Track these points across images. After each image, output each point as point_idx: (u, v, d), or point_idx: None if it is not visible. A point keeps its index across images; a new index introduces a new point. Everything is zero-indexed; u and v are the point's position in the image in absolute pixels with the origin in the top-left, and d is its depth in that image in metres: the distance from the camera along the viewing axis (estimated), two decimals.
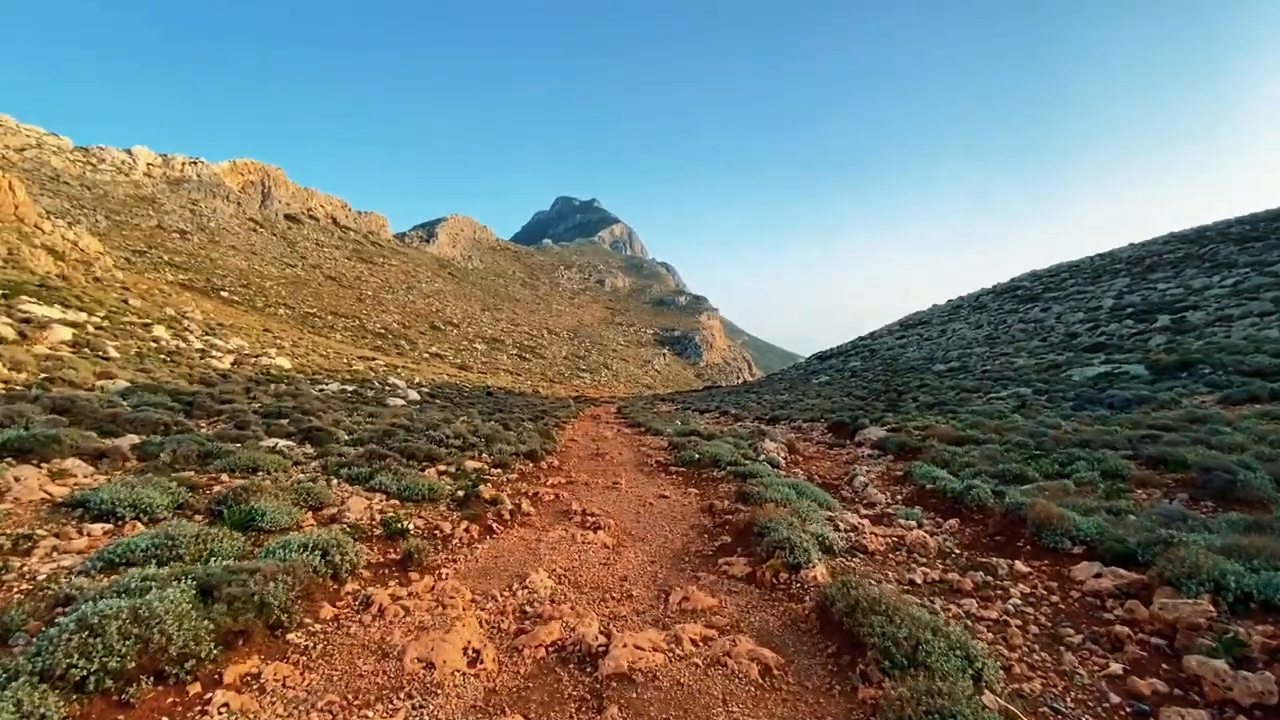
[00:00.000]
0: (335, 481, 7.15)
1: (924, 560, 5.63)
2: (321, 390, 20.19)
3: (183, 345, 22.63)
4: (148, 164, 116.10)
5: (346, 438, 10.51)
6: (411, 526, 5.73)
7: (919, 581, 4.97)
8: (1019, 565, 5.22)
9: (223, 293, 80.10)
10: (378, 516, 5.95)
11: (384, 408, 17.17)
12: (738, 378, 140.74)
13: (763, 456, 11.31)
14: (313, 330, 78.95)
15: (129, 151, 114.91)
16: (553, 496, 8.14)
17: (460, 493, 7.12)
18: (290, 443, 9.69)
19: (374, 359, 54.64)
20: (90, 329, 19.87)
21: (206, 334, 28.45)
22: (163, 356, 19.51)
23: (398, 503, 6.64)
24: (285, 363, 26.91)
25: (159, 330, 23.19)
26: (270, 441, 9.34)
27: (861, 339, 63.64)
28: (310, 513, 5.72)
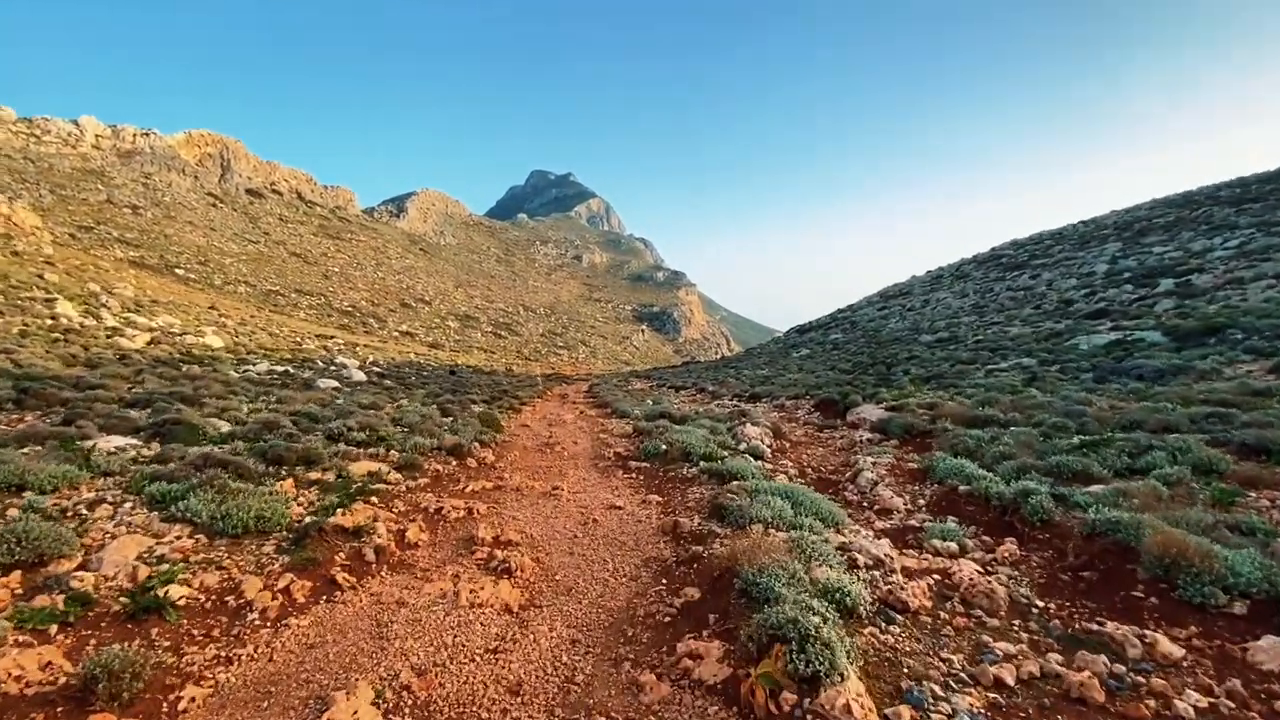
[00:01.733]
0: (129, 505, 4.93)
1: (995, 624, 3.63)
2: (246, 372, 17.71)
3: (89, 323, 19.88)
4: (96, 135, 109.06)
5: (218, 432, 8.22)
6: (186, 592, 3.57)
7: (1008, 681, 2.95)
8: (1160, 639, 3.22)
9: (177, 270, 75.67)
10: (145, 572, 3.76)
11: (309, 391, 14.83)
12: (716, 353, 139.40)
13: (744, 444, 9.28)
14: (274, 309, 75.12)
15: (75, 123, 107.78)
16: (462, 513, 5.99)
17: (310, 518, 4.96)
18: (134, 441, 7.39)
19: (333, 337, 51.58)
20: None
21: (129, 311, 25.53)
22: (55, 335, 16.82)
23: (205, 539, 4.47)
24: (216, 341, 24.22)
25: (65, 307, 20.37)
26: (102, 441, 7.03)
27: (840, 311, 62.08)
28: (18, 572, 3.52)
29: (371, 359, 36.55)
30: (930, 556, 4.98)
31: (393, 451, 8.15)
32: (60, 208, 78.33)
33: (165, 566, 3.86)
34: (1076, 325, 21.85)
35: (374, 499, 5.99)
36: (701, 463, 7.75)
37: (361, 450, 8.08)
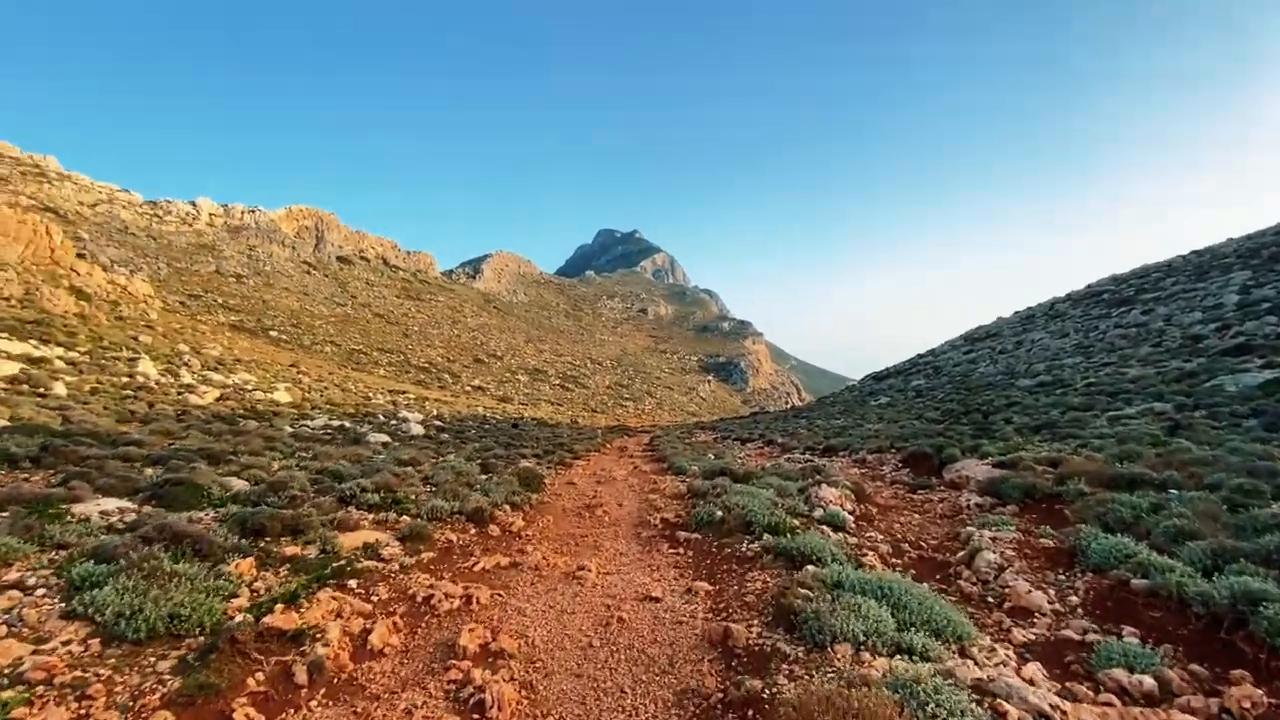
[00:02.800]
0: (41, 593, 3.99)
1: None
2: (300, 427, 17.59)
3: (165, 381, 20.66)
4: (210, 214, 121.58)
5: (225, 494, 7.46)
6: None
7: None
8: None
9: (271, 332, 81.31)
10: None
11: (354, 446, 14.31)
12: (786, 403, 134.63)
13: (819, 510, 7.60)
14: (356, 366, 79.00)
15: (193, 203, 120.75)
16: (457, 602, 4.73)
17: (244, 615, 3.83)
18: (127, 504, 6.69)
19: (405, 392, 52.95)
20: (58, 364, 17.99)
21: (209, 369, 26.71)
22: (127, 393, 17.36)
23: (98, 645, 3.42)
24: (284, 397, 24.76)
25: (146, 365, 21.35)
26: (92, 504, 6.34)
27: (921, 356, 58.19)
28: None
29: (437, 413, 36.79)
30: (1115, 699, 3.25)
31: (404, 517, 7.08)
32: (175, 279, 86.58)
33: (9, 694, 2.81)
34: (1214, 363, 18.62)
35: (353, 582, 4.85)
36: (766, 536, 6.18)
37: (369, 515, 7.06)
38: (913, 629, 3.61)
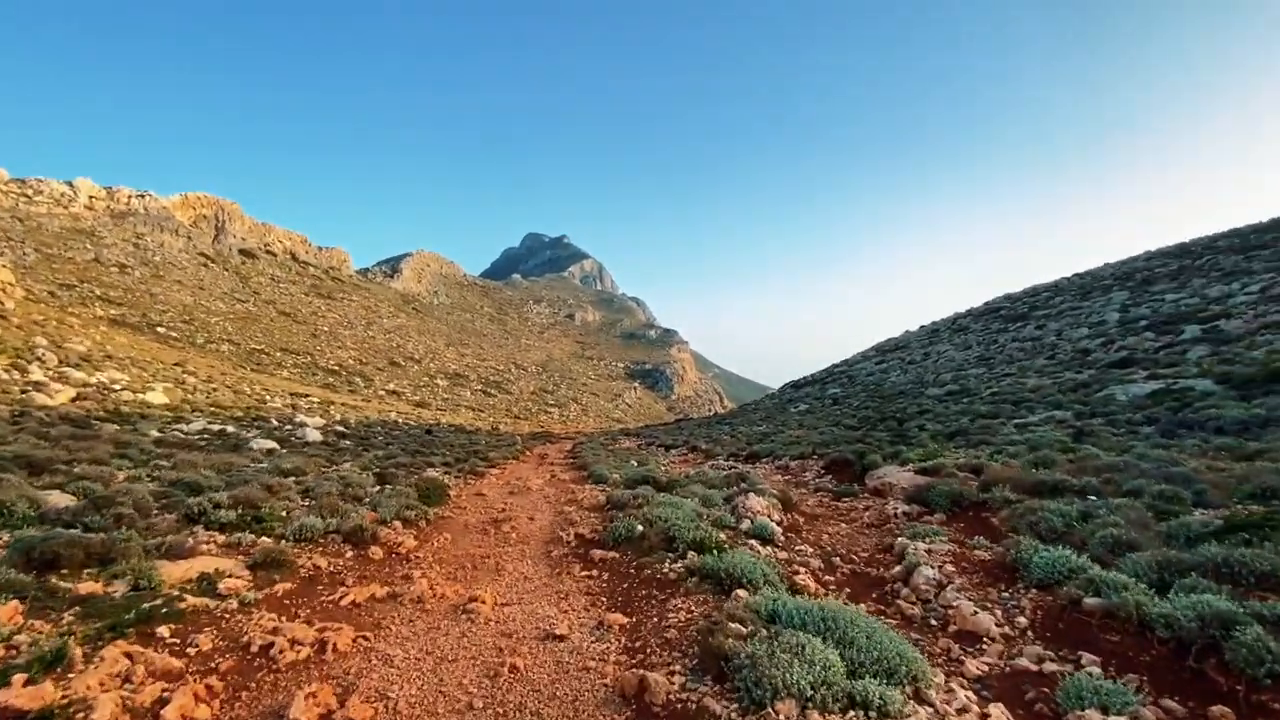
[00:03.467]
0: None
1: None
2: (171, 432, 15.39)
3: (7, 378, 17.64)
4: (90, 196, 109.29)
5: (33, 513, 5.93)
6: None
7: None
8: None
9: (159, 328, 73.87)
10: None
11: (230, 454, 12.53)
12: (709, 410, 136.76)
13: (746, 522, 7.02)
14: (256, 367, 73.05)
15: (70, 184, 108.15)
16: (306, 652, 3.71)
17: None
18: None
19: (307, 395, 49.11)
20: None
21: (69, 366, 23.29)
22: None
23: None
24: (158, 398, 21.91)
25: None
26: None
27: (836, 366, 60.46)
28: None
29: (340, 417, 34.14)
30: None
31: (263, 539, 5.88)
32: (44, 266, 77.05)
33: None
34: (1103, 374, 19.95)
35: (165, 629, 3.72)
36: (690, 554, 5.50)
37: (219, 537, 5.80)
38: (864, 672, 3.00)
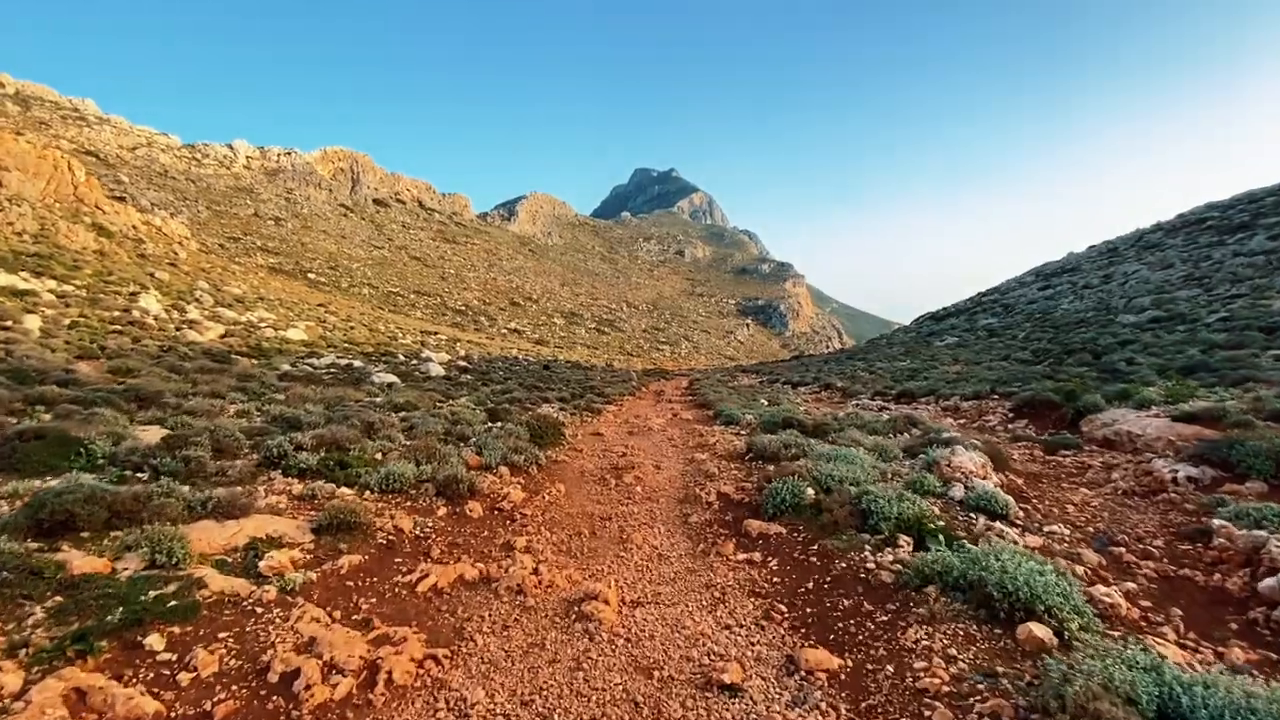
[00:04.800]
0: None
1: None
2: (301, 366, 15.76)
3: (166, 316, 19.08)
4: (247, 157, 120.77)
5: (107, 452, 5.33)
6: None
7: None
8: None
9: (309, 274, 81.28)
10: None
11: (350, 388, 12.32)
12: (827, 347, 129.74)
13: (959, 489, 5.01)
14: (393, 309, 78.66)
15: (230, 146, 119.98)
16: (345, 684, 2.43)
17: None
18: None
19: (436, 333, 51.60)
20: (46, 296, 16.46)
21: (224, 306, 25.24)
22: (116, 327, 15.75)
23: None
24: (297, 335, 23.13)
25: (148, 300, 19.83)
26: None
27: (985, 294, 53.48)
28: None
29: (465, 354, 35.10)
30: None
31: (342, 490, 4.84)
32: (215, 221, 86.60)
33: None
34: None
35: (155, 639, 2.58)
36: (902, 539, 3.66)
37: (295, 485, 4.84)
38: None
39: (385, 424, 7.54)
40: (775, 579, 3.66)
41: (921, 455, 6.04)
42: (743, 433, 9.34)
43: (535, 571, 3.71)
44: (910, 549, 3.60)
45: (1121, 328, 20.49)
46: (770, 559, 3.95)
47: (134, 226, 42.73)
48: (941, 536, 3.62)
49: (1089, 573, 3.75)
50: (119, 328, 15.83)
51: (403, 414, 9.54)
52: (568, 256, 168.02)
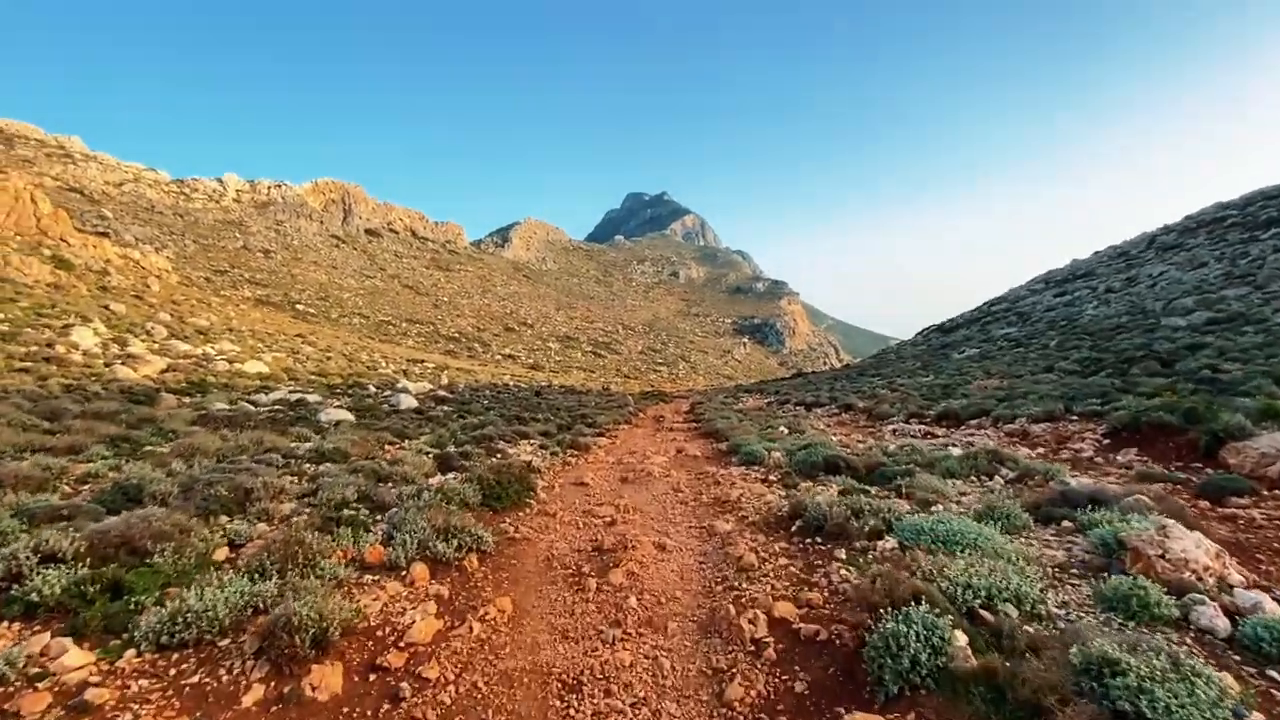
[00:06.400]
0: None
1: None
2: (241, 402, 13.46)
3: (98, 350, 16.83)
4: (237, 191, 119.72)
5: None
6: None
7: None
8: None
9: (298, 305, 79.41)
10: None
11: (284, 429, 10.03)
12: (825, 363, 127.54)
13: (1210, 613, 2.71)
14: (384, 338, 76.67)
15: (220, 180, 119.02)
16: None
17: None
18: None
19: (424, 361, 49.35)
20: None
21: (180, 338, 22.99)
22: (26, 363, 13.49)
23: None
24: (259, 368, 20.85)
25: (82, 334, 17.60)
26: None
27: (993, 304, 51.55)
28: None
29: (449, 382, 32.80)
30: None
31: (73, 656, 2.56)
32: (201, 255, 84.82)
33: None
34: None
35: None
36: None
37: (9, 631, 2.56)
38: None
39: (270, 490, 5.25)
40: None
41: (1090, 532, 3.73)
42: (772, 478, 7.04)
43: None
44: None
45: (1173, 331, 18.31)
46: None
47: (107, 260, 40.70)
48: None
49: None
50: (29, 364, 13.58)
51: (326, 465, 7.25)
52: (562, 281, 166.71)
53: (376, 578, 3.84)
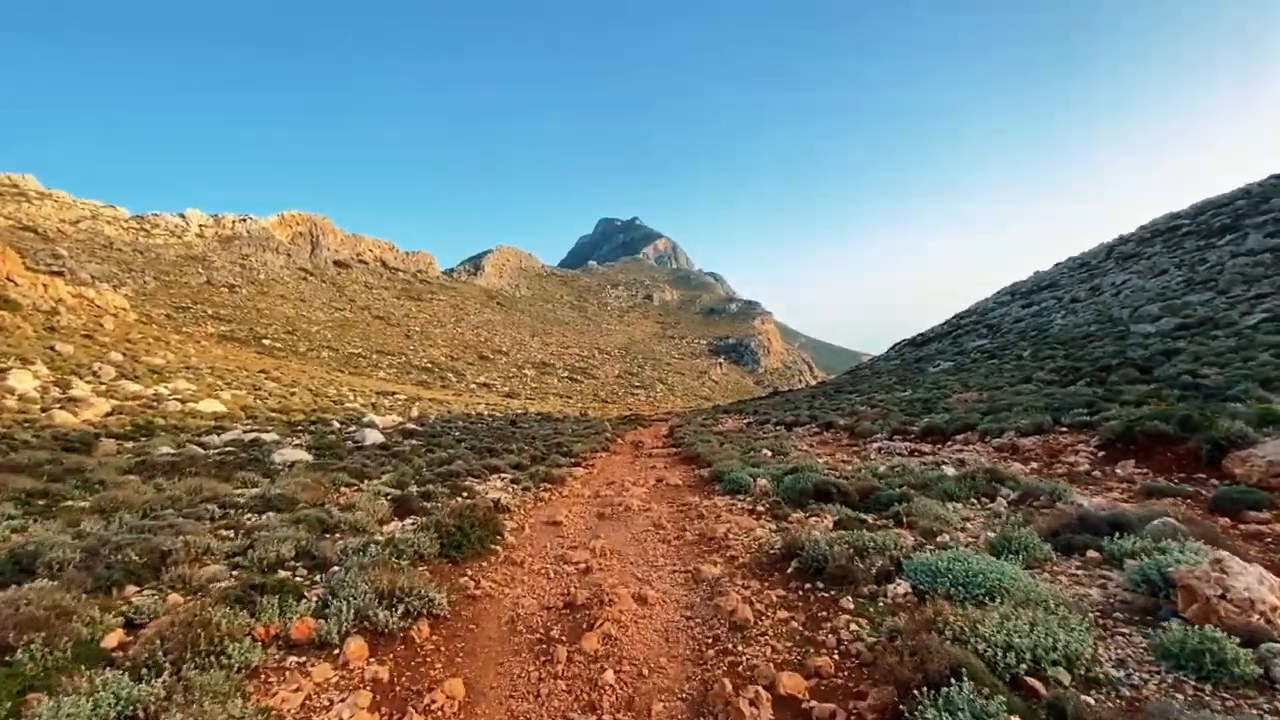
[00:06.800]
0: None
1: None
2: (188, 446, 12.53)
3: (35, 394, 15.69)
4: (200, 225, 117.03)
5: None
6: None
7: None
8: None
9: (264, 340, 77.27)
10: None
11: (230, 474, 9.24)
12: (800, 381, 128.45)
13: None
14: (354, 371, 74.86)
15: (182, 215, 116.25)
16: None
17: None
18: None
19: (396, 393, 48.05)
20: None
21: (131, 378, 21.77)
22: None
23: None
24: (215, 407, 19.76)
25: (19, 377, 16.44)
26: None
27: (962, 317, 52.39)
28: None
29: (420, 413, 31.77)
30: None
31: None
32: (163, 292, 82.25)
33: None
34: None
35: None
36: None
37: None
38: None
39: (192, 551, 4.56)
40: None
41: (1125, 564, 3.29)
42: (760, 508, 6.53)
43: None
44: None
45: (1145, 338, 18.46)
46: None
47: (58, 299, 38.98)
48: None
49: None
50: None
51: (269, 514, 6.53)
52: (536, 307, 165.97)
53: (303, 660, 3.20)
